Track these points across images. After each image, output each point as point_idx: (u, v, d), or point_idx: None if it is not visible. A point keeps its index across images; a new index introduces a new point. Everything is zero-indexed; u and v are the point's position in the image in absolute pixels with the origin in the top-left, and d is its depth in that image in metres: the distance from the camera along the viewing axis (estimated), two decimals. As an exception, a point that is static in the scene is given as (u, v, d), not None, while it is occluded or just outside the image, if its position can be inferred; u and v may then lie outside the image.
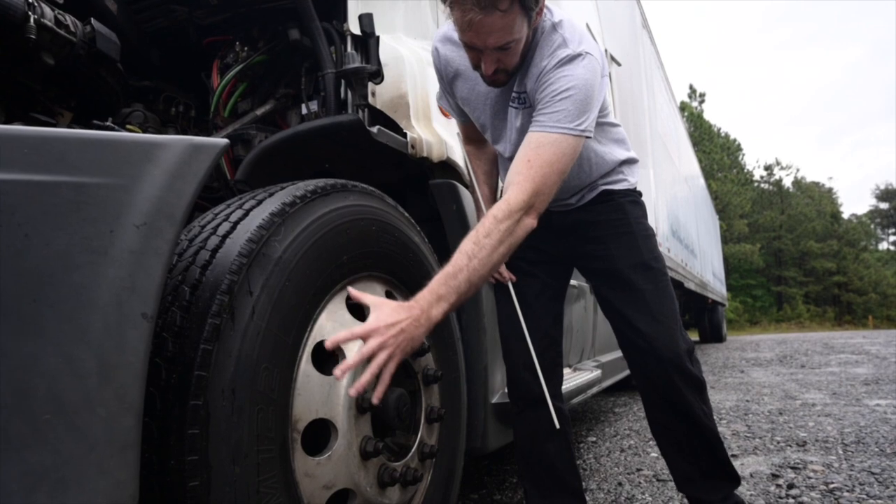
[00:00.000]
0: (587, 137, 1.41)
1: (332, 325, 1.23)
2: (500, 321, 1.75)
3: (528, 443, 1.71)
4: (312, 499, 1.11)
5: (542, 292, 1.72)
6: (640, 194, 1.74)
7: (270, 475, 1.01)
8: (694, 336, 12.83)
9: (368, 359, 1.11)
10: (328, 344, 1.11)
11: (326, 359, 1.21)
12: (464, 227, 1.89)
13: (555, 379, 1.71)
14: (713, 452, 1.59)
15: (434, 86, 1.97)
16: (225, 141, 1.00)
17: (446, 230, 1.90)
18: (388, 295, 1.46)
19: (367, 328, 1.12)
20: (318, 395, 1.15)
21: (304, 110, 2.03)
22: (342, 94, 1.90)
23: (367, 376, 1.09)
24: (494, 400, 1.92)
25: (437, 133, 1.88)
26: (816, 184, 47.83)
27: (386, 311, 1.15)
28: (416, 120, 1.85)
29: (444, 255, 1.87)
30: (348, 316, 1.28)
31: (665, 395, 1.56)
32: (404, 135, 1.78)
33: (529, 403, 1.67)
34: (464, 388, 1.75)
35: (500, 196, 1.85)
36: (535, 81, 1.44)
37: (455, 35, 1.49)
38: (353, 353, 1.18)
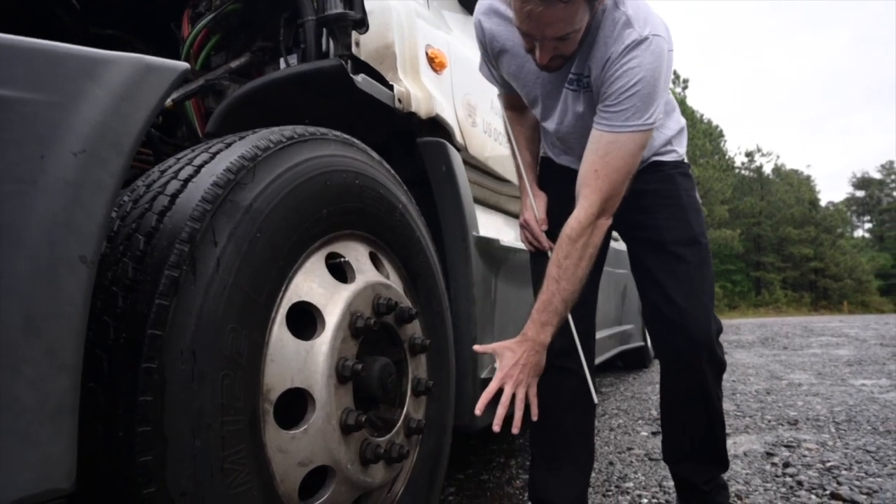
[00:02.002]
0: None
1: (310, 285, 1.10)
2: (536, 285, 1.66)
3: (544, 410, 1.61)
4: (286, 476, 0.99)
5: None
6: (688, 166, 1.65)
7: (237, 450, 0.89)
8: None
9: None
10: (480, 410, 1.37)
11: (303, 323, 1.09)
12: (454, 191, 1.76)
13: (588, 346, 1.62)
14: (714, 436, 1.55)
15: (423, 36, 1.83)
16: (184, 64, 0.87)
17: (434, 193, 1.77)
18: (373, 256, 1.34)
19: (500, 378, 1.36)
20: (293, 363, 1.02)
21: (282, 65, 1.88)
22: (324, 46, 1.76)
23: (501, 410, 1.35)
24: (484, 375, 1.81)
25: (425, 87, 1.74)
26: (795, 171, 48.35)
27: (507, 356, 1.39)
28: (403, 73, 1.72)
29: (432, 220, 1.75)
30: (329, 276, 1.15)
31: (688, 375, 1.48)
32: (390, 87, 1.64)
33: (554, 369, 1.57)
34: (452, 361, 1.63)
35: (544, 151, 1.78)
36: (601, 69, 1.34)
37: (501, 7, 1.44)
38: (335, 305, 1.10)
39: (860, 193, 59.44)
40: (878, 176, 58.52)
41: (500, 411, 1.35)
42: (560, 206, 1.50)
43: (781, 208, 40.80)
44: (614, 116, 1.31)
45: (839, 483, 1.96)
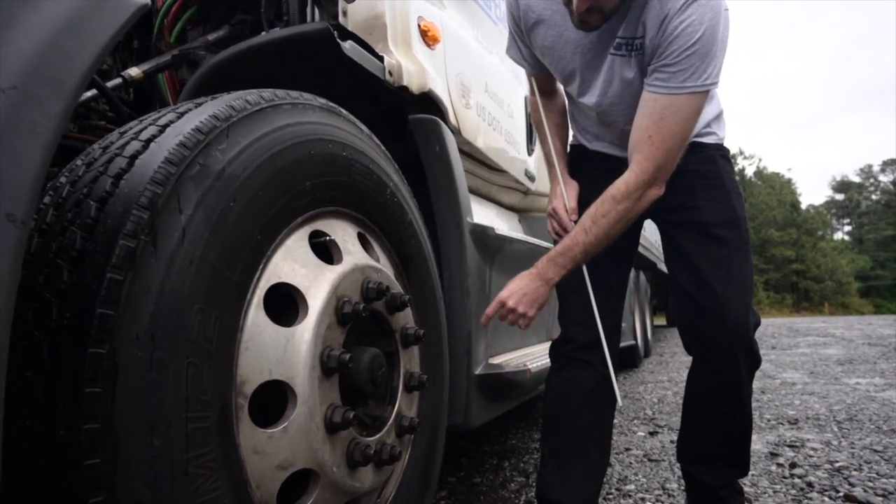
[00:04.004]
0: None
1: (291, 265, 0.98)
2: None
3: (557, 405, 1.52)
4: (263, 481, 0.86)
5: (611, 250, 1.49)
6: (728, 150, 1.55)
7: (205, 451, 0.76)
8: (661, 321, 12.81)
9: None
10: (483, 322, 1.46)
11: (284, 307, 0.97)
12: (448, 173, 1.65)
13: (613, 343, 1.52)
14: (739, 437, 1.45)
15: (415, 7, 1.71)
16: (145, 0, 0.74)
17: (427, 176, 1.65)
18: (361, 237, 1.21)
19: (499, 298, 1.40)
20: (271, 351, 0.90)
21: (263, 38, 1.75)
22: (308, 16, 1.63)
23: (490, 311, 1.42)
24: (478, 371, 1.70)
25: (418, 60, 1.62)
26: (777, 174, 48.93)
27: (514, 281, 1.41)
28: (394, 44, 1.60)
29: (423, 201, 1.63)
30: (313, 256, 1.03)
31: (721, 368, 1.38)
32: (380, 59, 1.52)
33: (573, 362, 1.49)
34: (446, 355, 1.52)
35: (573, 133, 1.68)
36: (657, 28, 1.24)
37: None
38: (320, 288, 0.99)
39: (840, 196, 60.32)
40: (857, 179, 59.45)
41: (489, 312, 1.43)
42: (592, 196, 1.40)
43: (764, 210, 41.24)
44: (672, 77, 1.23)
45: (851, 484, 1.86)
